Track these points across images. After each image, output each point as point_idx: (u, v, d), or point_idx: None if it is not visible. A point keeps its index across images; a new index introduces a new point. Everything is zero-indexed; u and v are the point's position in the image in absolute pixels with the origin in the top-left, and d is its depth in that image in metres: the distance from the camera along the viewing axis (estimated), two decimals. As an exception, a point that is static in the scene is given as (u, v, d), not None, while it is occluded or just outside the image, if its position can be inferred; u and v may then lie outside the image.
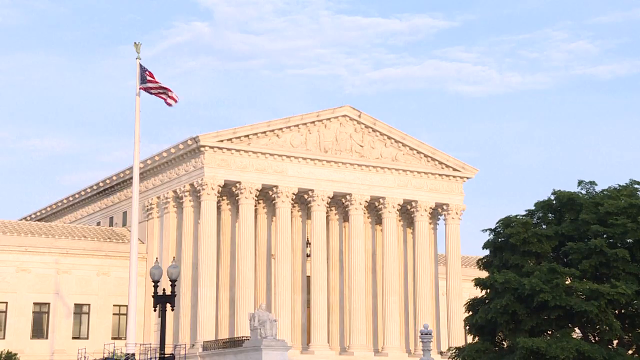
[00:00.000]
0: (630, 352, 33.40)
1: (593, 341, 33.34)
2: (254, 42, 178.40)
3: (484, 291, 36.85)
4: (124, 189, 77.21)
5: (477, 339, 36.90)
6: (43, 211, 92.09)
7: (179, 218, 70.67)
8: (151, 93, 49.40)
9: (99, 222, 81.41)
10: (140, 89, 48.60)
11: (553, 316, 32.34)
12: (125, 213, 76.80)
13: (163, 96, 49.00)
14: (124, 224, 76.49)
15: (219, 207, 69.08)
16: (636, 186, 35.86)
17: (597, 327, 32.91)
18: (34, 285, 67.86)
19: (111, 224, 79.54)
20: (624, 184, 35.95)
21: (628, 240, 34.24)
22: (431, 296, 73.25)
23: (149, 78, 48.66)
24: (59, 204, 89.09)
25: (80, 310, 69.89)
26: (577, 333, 34.68)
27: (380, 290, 72.53)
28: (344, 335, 71.20)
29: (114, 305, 70.28)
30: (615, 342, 33.90)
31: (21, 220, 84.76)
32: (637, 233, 33.27)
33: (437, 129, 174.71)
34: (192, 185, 68.28)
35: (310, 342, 68.19)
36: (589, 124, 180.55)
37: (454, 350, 38.69)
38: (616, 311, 32.92)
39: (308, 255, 70.96)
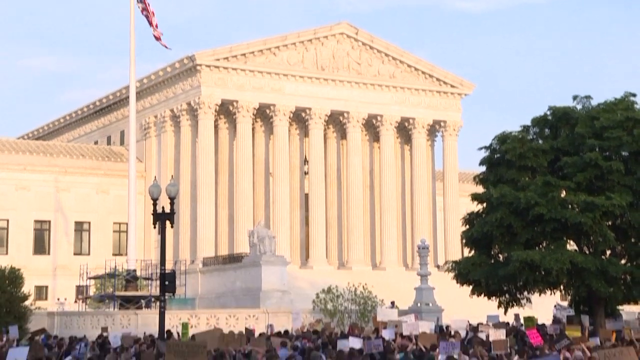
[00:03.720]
0: (623, 262, 34.02)
1: (587, 252, 33.91)
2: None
3: (480, 206, 37.25)
4: (121, 107, 77.07)
5: (473, 252, 37.46)
6: (40, 130, 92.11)
7: (176, 137, 70.83)
8: (143, 12, 49.77)
9: (97, 140, 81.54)
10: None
11: (548, 229, 32.75)
12: (123, 132, 76.87)
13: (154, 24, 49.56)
14: (122, 143, 76.65)
15: (216, 126, 69.15)
16: (632, 99, 35.81)
17: (591, 238, 33.38)
18: (34, 203, 68.49)
19: (109, 143, 79.71)
20: (620, 97, 35.90)
21: (623, 153, 34.43)
22: (428, 211, 74.04)
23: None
24: (57, 123, 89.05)
25: (80, 228, 70.74)
26: (571, 245, 35.21)
27: (378, 206, 73.25)
28: (342, 251, 72.24)
29: (114, 223, 71.08)
30: (608, 252, 34.48)
31: (19, 138, 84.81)
32: (633, 146, 33.42)
33: (434, 46, 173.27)
34: (189, 104, 68.17)
35: (308, 258, 69.26)
36: (588, 38, 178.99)
37: (450, 264, 39.28)
38: (610, 223, 33.36)
39: (306, 173, 71.40)
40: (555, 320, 39.54)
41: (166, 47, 55.78)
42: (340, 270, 67.82)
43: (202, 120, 66.81)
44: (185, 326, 29.46)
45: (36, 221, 69.22)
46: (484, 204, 36.57)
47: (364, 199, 72.27)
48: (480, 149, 38.55)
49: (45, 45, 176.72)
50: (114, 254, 66.88)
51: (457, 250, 68.56)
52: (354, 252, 69.74)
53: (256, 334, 32.66)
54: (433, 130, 76.02)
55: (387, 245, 71.34)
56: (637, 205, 33.87)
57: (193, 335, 28.81)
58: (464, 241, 39.10)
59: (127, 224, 59.82)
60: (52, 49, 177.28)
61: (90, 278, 56.80)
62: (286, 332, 35.05)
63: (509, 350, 24.46)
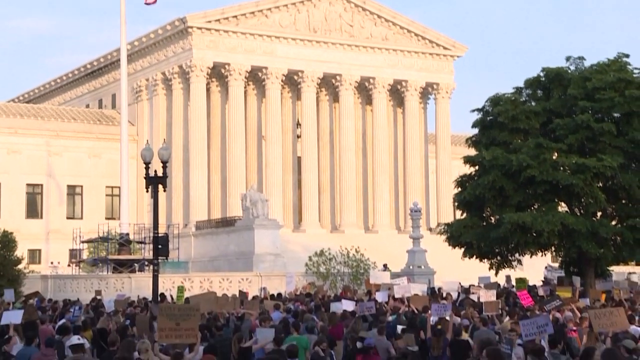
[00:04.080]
0: (613, 223, 34.23)
1: (578, 214, 34.09)
2: None
3: (472, 168, 37.32)
4: (112, 70, 76.55)
5: (465, 214, 37.62)
6: (31, 93, 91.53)
7: (168, 100, 70.52)
8: None
9: (88, 104, 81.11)
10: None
11: (539, 191, 32.87)
12: (114, 95, 76.45)
13: None
14: (114, 106, 76.28)
15: (208, 89, 68.83)
16: (625, 60, 35.75)
17: (582, 200, 33.55)
18: (26, 166, 68.30)
19: (100, 106, 79.31)
20: (613, 58, 35.82)
21: (615, 115, 34.48)
22: (421, 174, 74.14)
23: None
24: (47, 86, 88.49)
25: (73, 192, 70.68)
26: (562, 207, 35.39)
27: (371, 169, 73.31)
28: (334, 214, 72.41)
29: (107, 187, 71.00)
30: (599, 214, 34.68)
31: (9, 102, 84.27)
32: (624, 107, 33.42)
33: (427, 8, 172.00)
34: (180, 67, 67.76)
35: (301, 221, 69.43)
36: None
37: (442, 226, 39.48)
38: (601, 184, 33.52)
39: (298, 136, 71.28)
40: (546, 281, 39.94)
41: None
42: (332, 233, 68.04)
43: (194, 83, 66.46)
44: (180, 289, 29.51)
45: (28, 185, 69.10)
46: (476, 167, 36.65)
47: (356, 162, 72.28)
48: (473, 111, 38.56)
49: (35, 6, 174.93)
50: (107, 218, 66.92)
51: (449, 213, 68.76)
52: (346, 215, 69.93)
53: (249, 297, 32.87)
54: (426, 92, 75.82)
55: (379, 208, 71.53)
56: (628, 167, 34.03)
57: (187, 299, 28.98)
58: (456, 204, 39.26)
59: (119, 187, 59.72)
60: (42, 11, 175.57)
61: (83, 242, 56.90)
62: (279, 295, 35.29)
63: (500, 311, 24.69)
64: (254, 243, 54.37)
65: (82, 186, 70.61)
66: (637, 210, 34.11)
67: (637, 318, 21.83)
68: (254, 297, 32.00)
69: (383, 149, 72.03)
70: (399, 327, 21.02)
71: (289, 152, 71.08)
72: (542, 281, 41.55)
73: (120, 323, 23.11)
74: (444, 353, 18.60)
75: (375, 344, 16.87)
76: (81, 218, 68.83)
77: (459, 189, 37.83)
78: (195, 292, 39.88)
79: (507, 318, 22.33)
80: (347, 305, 26.40)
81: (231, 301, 28.30)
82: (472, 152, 39.10)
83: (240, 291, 37.25)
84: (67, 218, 69.07)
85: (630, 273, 52.48)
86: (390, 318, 23.58)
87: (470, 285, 35.18)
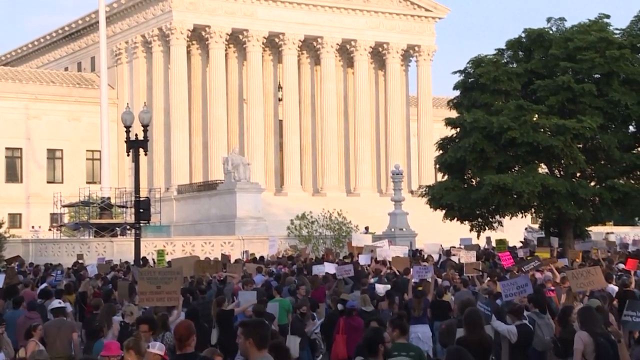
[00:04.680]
0: (592, 184, 34.56)
1: (558, 175, 34.37)
2: None
3: (453, 131, 37.43)
4: (91, 33, 75.60)
5: (446, 177, 37.81)
6: (8, 56, 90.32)
7: (148, 63, 69.88)
8: None
9: (67, 67, 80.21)
10: None
11: (520, 152, 33.10)
12: (93, 58, 75.60)
13: None
14: (93, 69, 75.49)
15: (188, 52, 68.24)
16: (606, 20, 35.81)
17: (562, 161, 33.85)
18: (4, 130, 67.58)
19: (79, 70, 78.47)
20: (594, 19, 35.88)
21: (595, 75, 34.62)
22: (402, 137, 74.22)
23: None
24: (25, 49, 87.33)
25: (53, 156, 70.13)
26: (542, 168, 35.67)
27: (352, 132, 73.27)
28: (316, 177, 72.46)
29: (87, 151, 70.48)
30: (578, 175, 35.00)
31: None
32: (605, 67, 33.54)
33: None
34: (160, 29, 67.08)
35: (283, 184, 69.47)
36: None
37: (424, 189, 39.70)
38: (581, 145, 33.80)
39: (280, 99, 71.01)
40: (526, 242, 40.33)
41: None
42: (314, 196, 68.13)
43: (174, 46, 65.86)
44: (160, 253, 29.26)
45: (7, 149, 68.47)
46: (458, 129, 36.77)
47: (338, 125, 72.17)
48: (455, 72, 38.60)
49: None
50: (88, 182, 66.51)
51: (430, 176, 68.97)
52: (328, 178, 70.02)
53: (232, 261, 32.95)
54: (407, 55, 75.59)
55: (361, 171, 71.65)
56: (607, 128, 34.29)
57: (169, 262, 29.01)
58: (437, 166, 39.45)
59: (100, 151, 59.38)
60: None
61: (64, 206, 56.63)
62: (262, 258, 35.40)
63: (480, 272, 24.92)
64: (236, 207, 54.37)
65: (62, 150, 70.06)
66: (616, 171, 34.48)
67: (614, 277, 22.15)
68: (236, 261, 32.08)
69: (364, 111, 71.95)
70: (379, 286, 21.21)
71: (270, 116, 70.85)
72: (522, 242, 41.97)
73: (105, 288, 23.13)
74: (424, 314, 18.80)
75: (357, 306, 17.00)
76: (62, 182, 68.36)
77: (440, 151, 37.99)
78: (177, 255, 39.91)
79: (488, 279, 22.56)
80: (329, 268, 26.55)
81: (214, 265, 28.38)
82: (454, 114, 39.19)
83: (222, 254, 37.33)
84: (48, 182, 68.59)
85: (608, 233, 53.18)
86: (372, 280, 23.75)
87: (451, 247, 35.44)
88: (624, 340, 10.65)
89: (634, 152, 34.49)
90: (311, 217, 47.73)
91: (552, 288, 20.21)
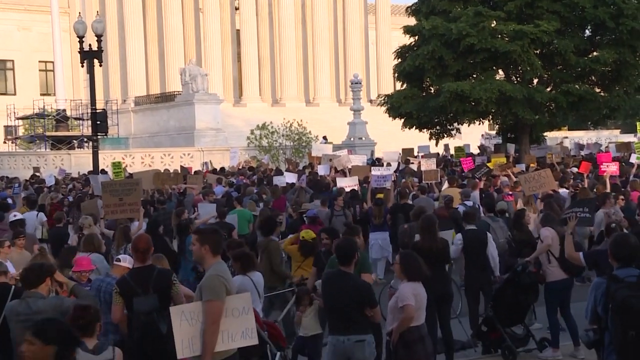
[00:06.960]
0: (548, 89, 34.88)
1: (515, 82, 34.60)
2: None
3: (412, 39, 37.25)
4: (38, -60, 72.83)
5: (405, 85, 37.81)
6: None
7: (99, -29, 67.79)
8: None
9: (15, -24, 77.45)
10: None
11: (478, 59, 33.11)
12: (42, -34, 73.03)
13: None
14: (42, -22, 73.01)
15: (141, -41, 66.27)
16: None
17: (520, 67, 34.03)
18: (-50, 39, 65.49)
19: (28, -22, 75.85)
20: None
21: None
22: (361, 46, 73.70)
23: None
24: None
25: (4, 67, 68.31)
26: (500, 75, 35.84)
27: (311, 42, 72.49)
28: (275, 88, 71.93)
29: (40, 62, 68.71)
30: (535, 81, 35.25)
31: None
32: (563, -32, 33.48)
33: None
34: None
35: (242, 95, 68.93)
36: None
37: (382, 98, 39.68)
38: (538, 51, 33.95)
39: (237, 9, 69.69)
40: (482, 149, 40.89)
41: None
42: (274, 107, 67.80)
43: (125, -47, 63.89)
44: (117, 165, 28.01)
45: (-47, 59, 66.58)
46: (416, 37, 36.58)
47: (295, 34, 71.25)
48: (414, -21, 38.07)
49: None
50: (42, 94, 65.13)
51: (389, 84, 68.85)
52: (287, 88, 69.56)
53: (192, 172, 32.91)
54: (365, -39, 74.33)
55: (320, 81, 71.26)
56: (564, 32, 34.40)
57: (131, 174, 28.85)
58: (396, 75, 39.33)
59: (53, 62, 58.06)
60: None
61: (18, 118, 55.67)
62: (222, 169, 35.44)
63: (439, 179, 25.32)
64: (195, 118, 53.99)
65: (13, 61, 68.21)
66: (572, 76, 34.78)
67: (570, 181, 22.71)
68: (196, 172, 32.06)
69: (323, 20, 71.05)
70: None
71: (227, 25, 69.63)
72: (479, 147, 42.55)
73: (73, 201, 23.03)
74: (384, 222, 19.12)
75: (318, 215, 17.22)
76: (14, 94, 66.80)
77: (399, 59, 37.86)
78: (137, 168, 39.76)
79: (447, 184, 22.94)
80: (290, 178, 26.72)
81: (174, 176, 28.34)
82: (412, 21, 38.90)
83: (182, 166, 37.27)
84: (0, 94, 67.09)
85: (563, 138, 54.11)
86: (333, 189, 23.98)
87: (408, 156, 35.78)
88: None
89: (590, 56, 34.74)
90: (271, 127, 47.64)
91: (510, 193, 20.67)
